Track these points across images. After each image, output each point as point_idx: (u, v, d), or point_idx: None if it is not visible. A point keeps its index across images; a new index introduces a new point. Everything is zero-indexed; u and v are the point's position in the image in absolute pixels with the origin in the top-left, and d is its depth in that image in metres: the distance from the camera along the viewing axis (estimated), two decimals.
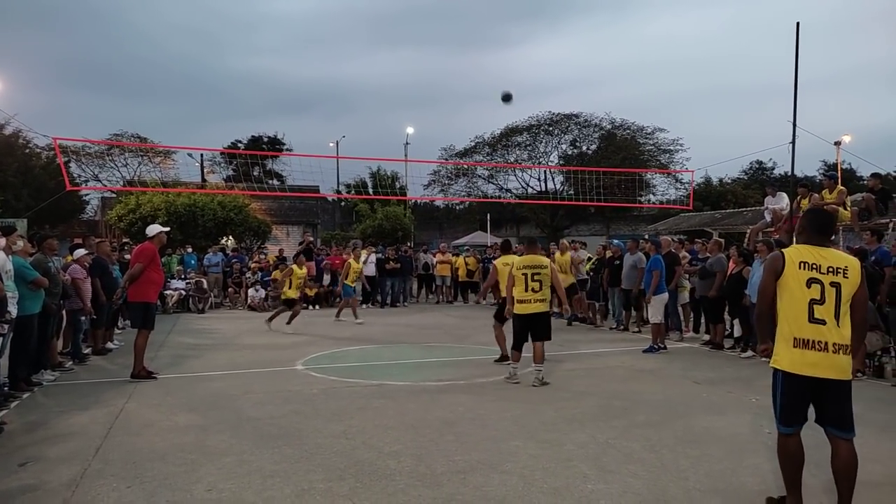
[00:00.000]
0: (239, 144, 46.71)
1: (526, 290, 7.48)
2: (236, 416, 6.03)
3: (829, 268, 3.63)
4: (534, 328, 7.56)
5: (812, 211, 4.21)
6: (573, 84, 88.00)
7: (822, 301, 3.60)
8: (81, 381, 7.84)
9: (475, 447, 5.05)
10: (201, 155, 34.40)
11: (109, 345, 10.24)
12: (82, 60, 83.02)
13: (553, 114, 40.22)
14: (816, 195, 11.60)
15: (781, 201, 12.13)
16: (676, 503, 3.97)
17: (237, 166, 33.27)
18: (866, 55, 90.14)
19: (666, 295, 10.33)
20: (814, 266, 3.65)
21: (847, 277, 3.64)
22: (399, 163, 32.80)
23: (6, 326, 6.29)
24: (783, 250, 3.88)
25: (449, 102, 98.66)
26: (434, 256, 19.92)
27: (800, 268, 3.65)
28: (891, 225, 11.29)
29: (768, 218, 12.33)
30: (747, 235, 13.01)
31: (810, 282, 3.63)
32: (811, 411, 3.89)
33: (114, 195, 30.66)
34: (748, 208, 26.47)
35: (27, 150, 29.81)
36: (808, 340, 3.62)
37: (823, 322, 3.60)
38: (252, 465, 4.64)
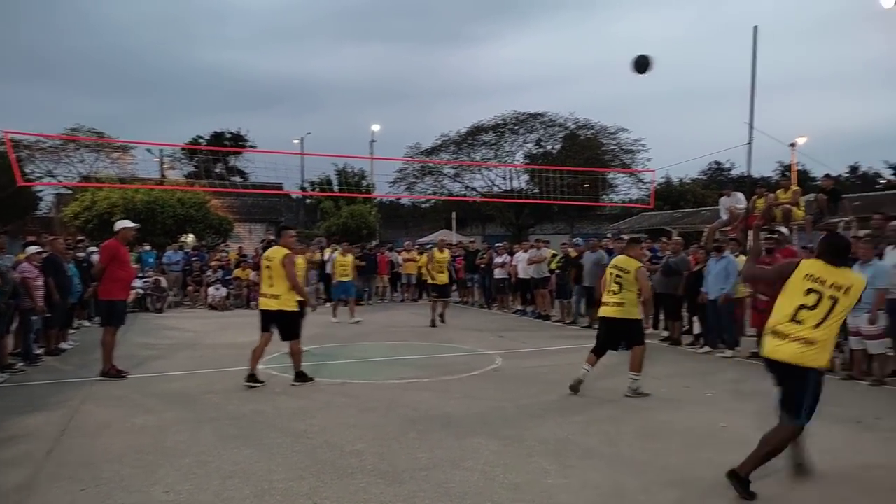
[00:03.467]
0: (200, 140, 45.83)
1: (606, 292, 7.02)
2: (195, 417, 5.94)
3: (832, 284, 4.02)
4: (611, 334, 7.01)
5: (833, 236, 4.76)
6: (539, 82, 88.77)
7: (813, 308, 4.02)
8: (33, 382, 7.61)
9: (438, 444, 5.07)
10: (161, 150, 33.67)
11: (63, 345, 9.95)
12: (37, 52, 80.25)
13: (518, 113, 40.55)
14: (772, 195, 11.95)
15: (738, 201, 12.46)
16: (633, 496, 4.05)
17: (198, 162, 32.62)
18: (821, 60, 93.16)
19: None
20: (818, 279, 4.06)
21: (847, 294, 4.02)
22: (365, 160, 32.61)
23: None
24: (802, 260, 4.40)
25: (416, 99, 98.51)
26: (400, 254, 19.90)
27: (804, 278, 4.10)
28: (841, 224, 11.69)
29: (725, 217, 12.66)
30: (705, 234, 13.33)
31: (809, 291, 4.06)
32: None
33: (69, 191, 29.76)
34: (706, 208, 27.13)
35: None
36: (779, 332, 4.10)
37: (801, 322, 4.03)
38: (211, 465, 4.57)
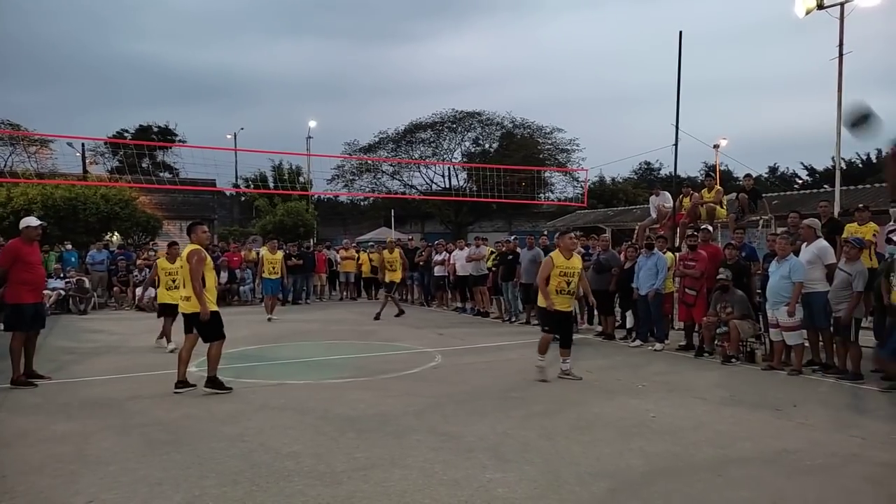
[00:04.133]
0: (126, 134, 43.91)
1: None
2: (121, 423, 5.68)
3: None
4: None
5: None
6: (476, 82, 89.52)
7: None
8: None
9: (376, 443, 5.04)
10: (83, 144, 31.93)
11: None
12: None
13: (456, 111, 40.81)
14: (697, 194, 12.46)
15: (666, 200, 12.93)
16: (569, 487, 4.14)
17: (123, 157, 31.23)
18: (742, 65, 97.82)
19: None
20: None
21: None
22: (302, 157, 32.00)
23: None
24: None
25: (354, 96, 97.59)
26: (338, 252, 19.67)
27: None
28: (760, 222, 12.31)
29: (654, 215, 13.12)
30: (636, 232, 13.77)
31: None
32: None
33: None
34: (637, 206, 28.05)
35: None
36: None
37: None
38: (138, 472, 4.38)
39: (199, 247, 6.84)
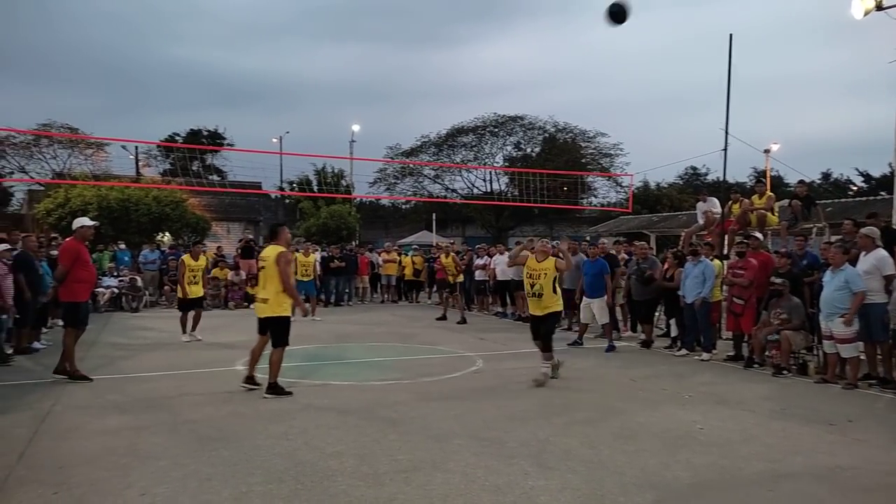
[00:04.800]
0: (177, 138, 45.20)
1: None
2: (172, 418, 5.85)
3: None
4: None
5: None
6: (519, 85, 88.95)
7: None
8: (4, 382, 7.42)
9: (418, 446, 5.06)
10: (136, 147, 33.09)
11: (36, 344, 9.75)
12: (8, 45, 78.59)
13: (498, 115, 40.74)
14: (746, 200, 12.13)
15: (714, 206, 12.63)
16: (613, 497, 4.08)
17: (174, 160, 32.18)
18: (795, 66, 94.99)
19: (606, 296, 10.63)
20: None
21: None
22: (345, 160, 32.44)
23: None
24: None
25: (396, 100, 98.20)
26: (380, 255, 19.84)
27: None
28: (814, 230, 11.91)
29: (701, 221, 12.83)
30: (682, 238, 13.49)
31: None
32: None
33: (42, 188, 29.14)
34: (683, 212, 27.49)
35: None
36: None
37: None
38: (188, 468, 4.50)
39: (284, 249, 6.82)
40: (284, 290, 6.65)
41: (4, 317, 8.60)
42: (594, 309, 10.53)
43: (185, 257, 11.29)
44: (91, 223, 7.90)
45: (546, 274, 7.51)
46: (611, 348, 10.21)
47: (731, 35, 11.49)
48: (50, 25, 79.89)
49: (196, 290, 11.02)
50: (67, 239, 7.70)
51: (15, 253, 9.09)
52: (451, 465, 4.62)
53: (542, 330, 7.68)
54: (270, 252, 6.78)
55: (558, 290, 7.69)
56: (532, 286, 7.58)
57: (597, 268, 10.70)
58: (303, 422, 5.73)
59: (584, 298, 10.82)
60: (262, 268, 6.80)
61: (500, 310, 15.63)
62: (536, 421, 5.88)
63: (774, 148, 27.62)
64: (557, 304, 7.73)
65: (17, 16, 76.82)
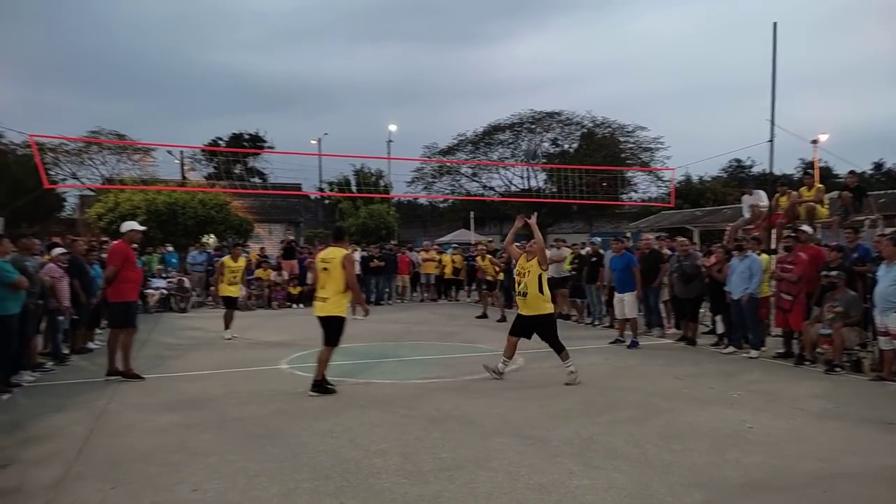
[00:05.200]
0: (220, 142, 46.27)
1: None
2: (220, 416, 5.99)
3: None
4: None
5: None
6: (555, 81, 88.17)
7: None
8: (61, 381, 7.73)
9: (461, 444, 5.07)
10: (181, 152, 34.02)
11: (90, 345, 10.11)
12: (59, 55, 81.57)
13: (535, 112, 40.43)
14: (795, 193, 11.78)
15: (760, 199, 12.29)
16: (660, 497, 4.01)
17: (218, 164, 32.97)
18: (843, 55, 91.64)
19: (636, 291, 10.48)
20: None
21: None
22: (382, 160, 32.68)
23: None
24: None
25: (432, 99, 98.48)
26: (419, 254, 19.92)
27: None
28: (867, 222, 11.48)
29: (747, 215, 12.50)
30: (727, 233, 13.17)
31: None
32: None
33: (93, 193, 30.21)
34: (727, 206, 26.82)
35: (1, 147, 29.27)
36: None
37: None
38: (237, 464, 4.61)
39: (349, 251, 7.03)
40: (349, 290, 6.83)
41: (61, 318, 8.95)
42: (624, 303, 10.41)
43: (226, 259, 11.71)
44: (140, 227, 8.28)
45: (530, 272, 7.33)
46: (634, 344, 10.07)
47: (774, 24, 11.15)
48: (97, 35, 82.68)
49: (233, 290, 11.52)
50: (116, 241, 7.99)
51: (69, 257, 9.43)
52: (495, 463, 4.61)
53: (542, 336, 7.55)
54: (336, 253, 6.92)
55: (546, 290, 7.44)
56: (518, 284, 7.43)
57: (624, 262, 10.57)
58: (347, 419, 5.81)
59: (616, 294, 10.71)
60: (325, 269, 6.89)
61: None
62: (580, 419, 5.82)
63: (823, 138, 26.64)
64: (545, 306, 7.45)
65: (65, 26, 79.74)
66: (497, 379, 7.49)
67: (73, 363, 8.96)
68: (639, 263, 10.76)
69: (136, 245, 8.32)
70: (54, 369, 8.40)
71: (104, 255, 12.56)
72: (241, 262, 11.96)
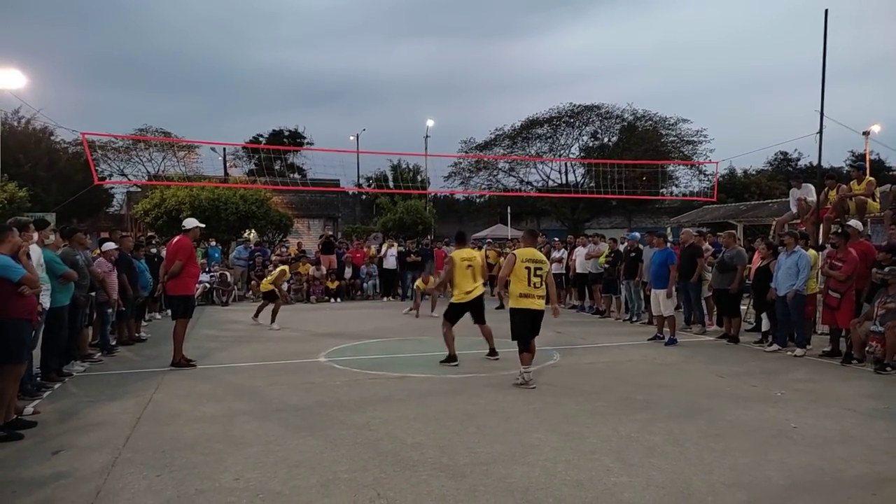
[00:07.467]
0: (260, 139, 47.09)
1: (529, 285, 7.06)
2: (262, 407, 6.13)
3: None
4: (535, 326, 7.19)
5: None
6: (595, 73, 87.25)
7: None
8: (110, 371, 8.01)
9: (497, 439, 5.07)
10: (224, 149, 34.79)
11: (142, 334, 10.48)
12: (108, 55, 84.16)
13: (574, 105, 40.00)
14: (844, 186, 11.38)
15: (808, 193, 11.91)
16: (700, 496, 3.95)
17: (259, 160, 33.59)
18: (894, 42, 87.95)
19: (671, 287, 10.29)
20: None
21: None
22: (420, 156, 32.79)
23: (39, 318, 6.43)
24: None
25: (471, 93, 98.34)
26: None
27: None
28: None
29: (794, 209, 12.13)
30: (773, 227, 12.81)
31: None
32: None
33: (139, 189, 31.12)
34: (773, 200, 26.09)
35: (54, 145, 30.35)
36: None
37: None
38: (278, 454, 4.71)
39: (479, 251, 8.59)
40: (490, 280, 8.30)
41: (109, 310, 9.26)
42: (659, 300, 10.24)
43: (286, 268, 13.49)
44: (201, 224, 8.87)
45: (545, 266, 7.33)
46: (671, 342, 9.88)
47: (825, 11, 10.73)
48: (143, 36, 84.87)
49: (264, 286, 12.82)
50: (181, 236, 8.33)
51: (118, 251, 9.75)
52: (531, 458, 4.61)
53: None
54: (473, 253, 8.78)
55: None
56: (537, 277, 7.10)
57: (662, 257, 10.37)
58: (384, 413, 5.87)
59: (652, 291, 10.55)
60: (470, 266, 8.43)
61: (576, 303, 15.40)
62: (617, 416, 5.76)
63: (875, 130, 25.63)
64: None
65: (113, 28, 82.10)
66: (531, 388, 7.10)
67: (120, 354, 9.26)
68: (677, 259, 10.55)
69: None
70: (103, 360, 8.71)
71: (152, 251, 13.07)
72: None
